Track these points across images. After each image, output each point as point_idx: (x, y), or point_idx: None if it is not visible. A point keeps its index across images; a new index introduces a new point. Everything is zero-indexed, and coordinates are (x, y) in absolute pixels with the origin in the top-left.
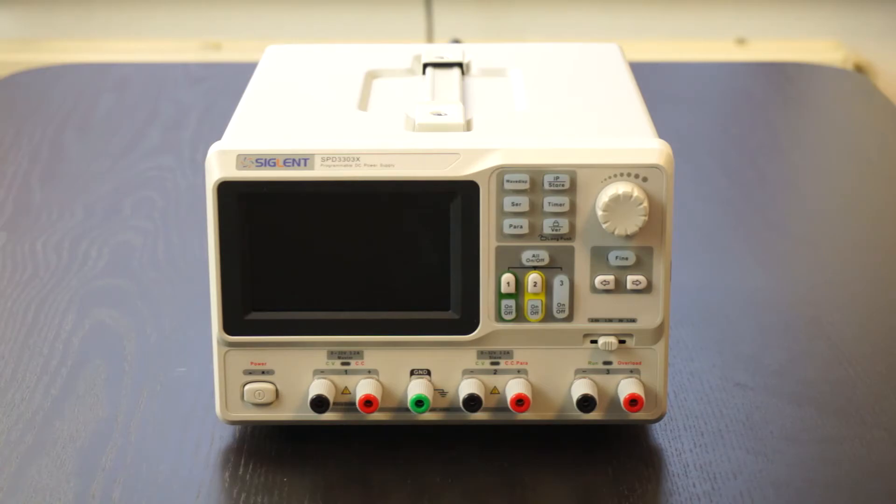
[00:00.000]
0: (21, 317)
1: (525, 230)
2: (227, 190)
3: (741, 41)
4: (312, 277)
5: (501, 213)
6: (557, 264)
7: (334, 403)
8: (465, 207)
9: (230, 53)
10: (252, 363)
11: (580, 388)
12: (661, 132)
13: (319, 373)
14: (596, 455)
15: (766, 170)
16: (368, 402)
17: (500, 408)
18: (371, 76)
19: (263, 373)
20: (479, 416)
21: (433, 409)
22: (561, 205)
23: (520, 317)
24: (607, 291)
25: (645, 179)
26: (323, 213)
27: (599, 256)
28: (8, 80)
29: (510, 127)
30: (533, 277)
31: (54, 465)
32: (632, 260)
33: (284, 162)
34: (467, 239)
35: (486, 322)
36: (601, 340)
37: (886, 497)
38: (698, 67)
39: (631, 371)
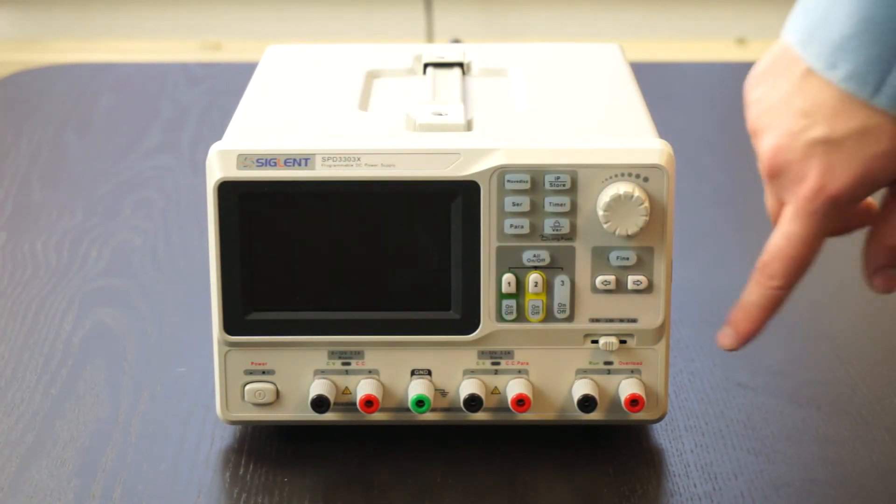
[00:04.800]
0: (21, 317)
1: (526, 230)
2: (228, 190)
3: (741, 41)
4: (313, 277)
5: (502, 213)
6: (558, 264)
7: (335, 403)
8: (465, 207)
9: (230, 53)
10: (252, 363)
11: (581, 388)
12: (661, 132)
13: (320, 373)
14: (597, 455)
15: None
16: (369, 403)
17: (501, 408)
18: (371, 76)
19: (264, 373)
20: (479, 416)
21: (434, 410)
22: (562, 205)
23: (521, 317)
24: (608, 291)
25: (646, 179)
26: (323, 213)
27: (600, 256)
28: (8, 80)
29: (511, 127)
30: (534, 277)
31: (54, 465)
32: (633, 260)
33: (285, 162)
34: (468, 239)
35: (487, 322)
36: (602, 340)
37: (887, 497)
38: (698, 67)
39: (632, 371)
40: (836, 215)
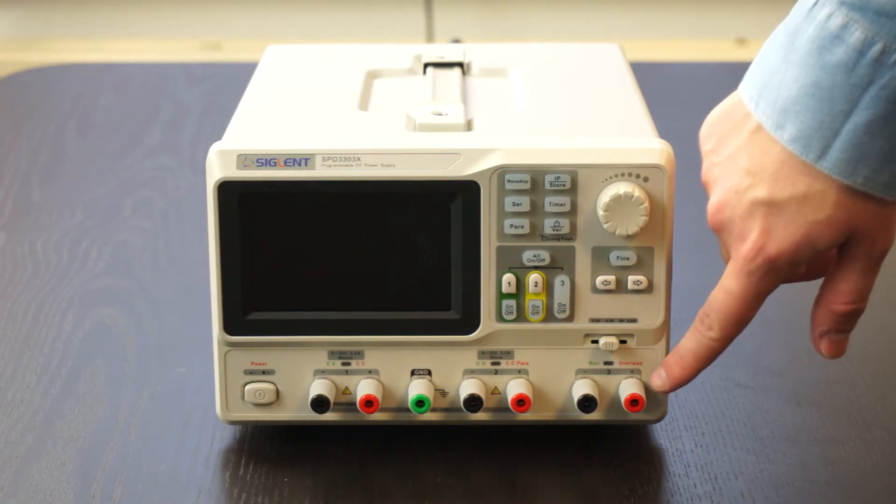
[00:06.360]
0: (21, 317)
1: (526, 230)
2: (228, 190)
3: (741, 41)
4: (313, 277)
5: (502, 213)
6: (558, 264)
7: (335, 403)
8: (465, 207)
9: (230, 53)
10: (252, 363)
11: (581, 388)
12: (662, 132)
13: (320, 373)
14: (597, 455)
15: None
16: (369, 403)
17: (501, 408)
18: (371, 76)
19: (264, 373)
20: (479, 416)
21: (434, 410)
22: (562, 205)
23: (521, 317)
24: (608, 291)
25: (646, 179)
26: (323, 213)
27: (600, 256)
28: (8, 80)
29: (511, 127)
30: (534, 277)
31: (54, 465)
32: (633, 260)
33: (285, 162)
34: (468, 239)
35: (487, 322)
36: (602, 340)
37: (886, 497)
38: (698, 67)
39: (632, 371)
40: (775, 277)
